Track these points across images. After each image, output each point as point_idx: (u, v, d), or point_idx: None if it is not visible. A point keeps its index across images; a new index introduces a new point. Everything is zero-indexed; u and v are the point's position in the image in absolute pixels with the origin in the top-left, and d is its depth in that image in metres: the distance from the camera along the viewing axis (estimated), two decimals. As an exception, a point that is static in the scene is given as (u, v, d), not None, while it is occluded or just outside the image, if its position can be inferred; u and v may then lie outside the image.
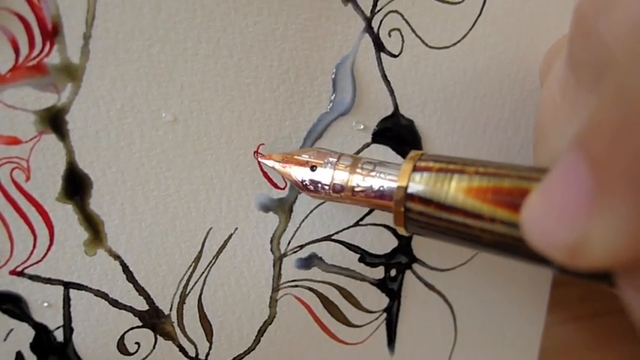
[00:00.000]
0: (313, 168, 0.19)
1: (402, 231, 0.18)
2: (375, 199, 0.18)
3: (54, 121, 0.19)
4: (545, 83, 0.19)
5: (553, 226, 0.12)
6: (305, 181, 0.19)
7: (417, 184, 0.16)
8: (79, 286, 0.20)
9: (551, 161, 0.13)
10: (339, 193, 0.19)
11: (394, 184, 0.17)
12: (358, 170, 0.18)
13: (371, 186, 0.18)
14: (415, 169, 0.17)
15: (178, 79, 0.19)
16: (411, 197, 0.17)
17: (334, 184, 0.19)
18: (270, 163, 0.20)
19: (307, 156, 0.20)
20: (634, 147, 0.10)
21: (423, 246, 0.24)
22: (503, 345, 0.26)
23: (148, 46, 0.19)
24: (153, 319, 0.21)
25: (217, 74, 0.20)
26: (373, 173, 0.18)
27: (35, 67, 0.18)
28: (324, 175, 0.19)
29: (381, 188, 0.18)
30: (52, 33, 0.18)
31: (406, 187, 0.17)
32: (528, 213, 0.13)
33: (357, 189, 0.18)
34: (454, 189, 0.16)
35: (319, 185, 0.19)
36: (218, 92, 0.20)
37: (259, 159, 0.21)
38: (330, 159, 0.19)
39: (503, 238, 0.15)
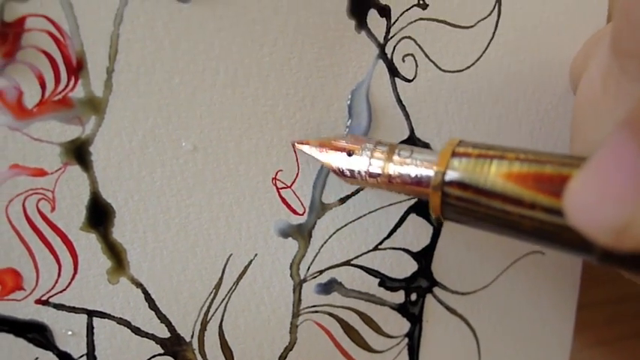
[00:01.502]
0: (350, 154, 0.19)
1: (438, 218, 0.17)
2: (411, 186, 0.18)
3: (78, 152, 0.19)
4: (585, 75, 0.19)
5: (598, 207, 0.12)
6: (342, 167, 0.19)
7: (455, 170, 0.16)
8: (102, 315, 0.20)
9: (590, 151, 0.13)
10: (376, 179, 0.19)
11: (431, 171, 0.17)
12: (395, 157, 0.18)
13: (408, 173, 0.18)
14: (454, 154, 0.17)
15: (198, 109, 0.20)
16: (449, 183, 0.16)
17: (371, 170, 0.19)
18: (306, 148, 0.20)
19: (344, 142, 0.20)
20: None
21: (443, 269, 0.23)
22: (529, 370, 0.26)
23: (169, 78, 0.19)
24: (175, 347, 0.21)
25: (235, 103, 0.20)
26: (409, 160, 0.18)
27: (61, 102, 0.19)
28: (361, 162, 0.19)
29: (418, 175, 0.18)
30: (77, 68, 0.19)
31: (444, 173, 0.17)
32: (572, 195, 0.13)
33: (393, 175, 0.18)
34: (494, 174, 0.15)
35: (356, 171, 0.19)
36: (236, 121, 0.20)
37: (296, 145, 0.21)
38: (367, 145, 0.19)
39: (542, 224, 0.15)
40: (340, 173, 0.20)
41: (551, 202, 0.14)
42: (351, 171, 0.19)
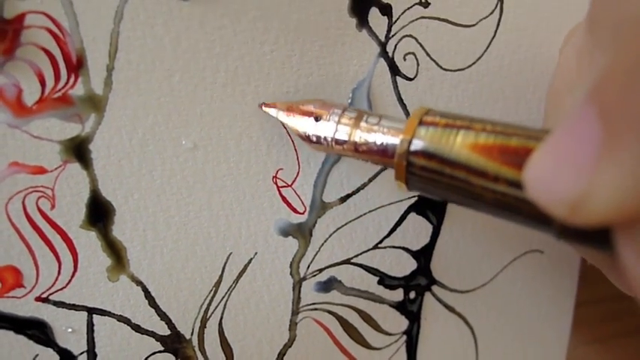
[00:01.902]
0: (317, 119, 0.19)
1: (402, 187, 0.17)
2: (377, 155, 0.18)
3: (78, 150, 0.19)
4: (562, 53, 0.19)
5: (556, 179, 0.12)
6: (307, 132, 0.19)
7: (422, 140, 0.16)
8: (103, 312, 0.20)
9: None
10: (342, 145, 0.18)
11: (397, 140, 0.17)
12: (362, 124, 0.18)
13: (374, 141, 0.17)
14: (421, 123, 0.16)
15: (198, 107, 0.20)
16: (415, 152, 0.16)
17: (337, 137, 0.18)
18: (273, 112, 0.20)
19: (312, 106, 0.19)
20: None
21: (442, 268, 0.24)
22: (526, 367, 0.26)
23: (169, 76, 0.19)
24: (175, 344, 0.21)
25: (236, 101, 0.20)
26: (377, 127, 0.18)
27: (60, 99, 0.19)
28: (328, 128, 0.19)
29: (384, 143, 0.17)
30: (77, 66, 0.19)
31: (410, 141, 0.16)
32: (531, 167, 0.13)
33: (359, 142, 0.18)
34: (459, 144, 0.15)
35: (322, 137, 0.19)
36: (237, 119, 0.20)
37: (263, 107, 0.20)
38: (335, 110, 0.19)
39: (504, 197, 0.14)
40: (306, 138, 0.19)
41: (514, 174, 0.14)
42: (317, 137, 0.19)
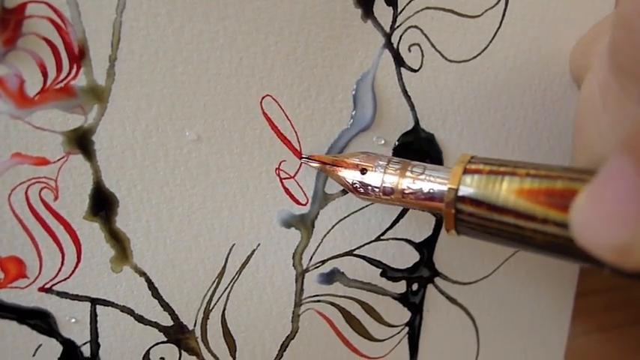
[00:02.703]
0: (363, 171, 0.19)
1: (452, 233, 0.18)
2: (425, 201, 0.18)
3: (81, 141, 0.19)
4: (585, 83, 0.19)
5: (602, 228, 0.12)
6: (355, 183, 0.20)
7: (468, 187, 0.17)
8: (106, 302, 0.20)
9: (591, 161, 0.13)
10: (389, 195, 0.19)
11: (444, 187, 0.17)
12: (408, 174, 0.19)
13: (421, 189, 0.18)
14: (465, 171, 0.17)
15: (202, 98, 0.20)
16: (462, 199, 0.17)
17: (384, 187, 0.19)
18: (317, 165, 0.20)
19: (357, 159, 0.20)
20: None
21: (445, 260, 0.24)
22: (526, 357, 0.26)
23: (172, 67, 0.19)
24: (177, 335, 0.21)
25: (240, 93, 0.20)
26: (422, 176, 0.18)
27: (63, 90, 0.19)
28: (375, 178, 0.19)
29: (431, 191, 0.18)
30: (79, 56, 0.19)
31: (457, 189, 0.17)
32: (577, 215, 0.13)
33: (406, 192, 0.19)
34: (505, 190, 0.16)
35: (369, 188, 0.19)
36: (240, 111, 0.20)
37: (304, 161, 0.21)
38: (380, 162, 0.19)
39: (556, 238, 0.15)
40: (354, 190, 0.20)
41: (562, 216, 0.14)
42: (365, 187, 0.19)
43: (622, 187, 0.12)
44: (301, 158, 0.21)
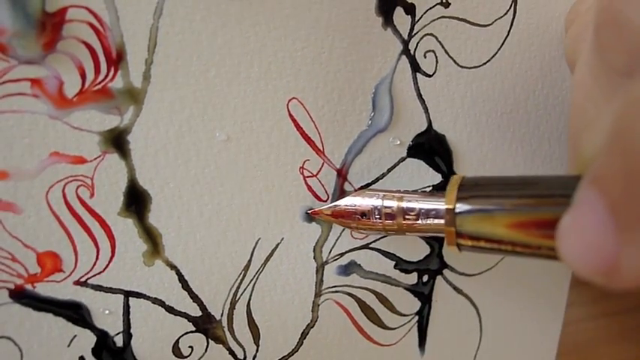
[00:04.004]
0: (363, 215, 0.21)
1: (454, 250, 0.19)
2: (426, 221, 0.20)
3: (117, 141, 0.20)
4: (577, 67, 0.20)
5: (586, 255, 0.13)
6: (357, 215, 0.21)
7: (463, 227, 0.18)
8: (138, 295, 0.21)
9: (592, 140, 0.14)
10: (392, 220, 0.20)
11: (443, 206, 0.19)
12: (405, 197, 0.20)
13: (421, 208, 0.20)
14: (458, 199, 0.18)
15: (232, 101, 0.21)
16: (461, 235, 0.18)
17: (385, 212, 0.20)
18: (322, 217, 0.22)
19: (353, 204, 0.21)
20: None
21: (453, 254, 0.25)
22: (525, 343, 0.28)
23: (205, 70, 0.20)
24: (205, 324, 0.22)
25: (267, 96, 0.21)
26: (419, 200, 0.20)
27: (100, 92, 0.20)
28: (375, 204, 0.21)
29: (431, 209, 0.19)
30: (117, 59, 0.19)
31: (454, 209, 0.18)
32: (562, 243, 0.14)
33: (408, 213, 0.20)
34: (499, 225, 0.17)
35: (372, 212, 0.21)
36: (268, 113, 0.21)
37: (311, 214, 0.22)
38: (377, 193, 0.21)
39: (553, 257, 0.16)
40: (355, 226, 0.21)
41: (554, 244, 0.15)
42: (366, 214, 0.21)
43: (593, 219, 0.13)
44: (307, 213, 0.22)
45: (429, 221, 0.19)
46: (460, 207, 0.18)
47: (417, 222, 0.20)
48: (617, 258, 0.13)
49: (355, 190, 0.22)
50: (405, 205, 0.20)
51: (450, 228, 0.18)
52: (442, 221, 0.19)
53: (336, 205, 0.22)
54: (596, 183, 0.13)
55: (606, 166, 0.13)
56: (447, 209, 0.18)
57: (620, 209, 0.12)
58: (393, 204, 0.20)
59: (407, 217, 0.20)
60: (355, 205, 0.21)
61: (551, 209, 0.16)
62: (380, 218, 0.21)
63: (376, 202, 0.21)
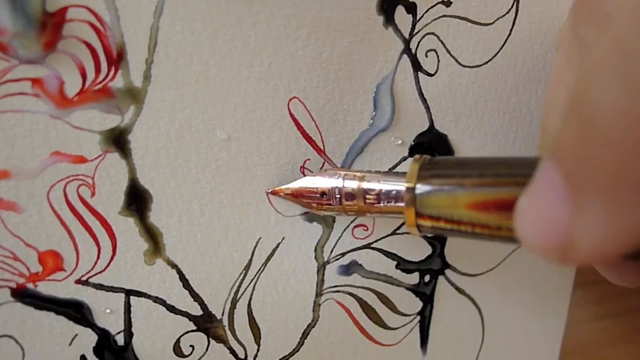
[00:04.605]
0: (323, 195, 0.20)
1: (414, 231, 0.19)
2: (387, 202, 0.19)
3: (117, 140, 0.20)
4: (556, 59, 0.20)
5: (541, 231, 0.13)
6: (318, 203, 0.21)
7: (425, 185, 0.17)
8: (139, 294, 0.21)
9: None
10: (352, 200, 0.20)
11: (403, 187, 0.18)
12: (367, 178, 0.20)
13: (381, 190, 0.19)
14: (419, 177, 0.18)
15: (232, 100, 0.21)
16: (421, 216, 0.18)
17: (345, 192, 0.20)
18: (280, 196, 0.22)
19: (313, 184, 0.21)
20: (599, 157, 0.11)
21: (455, 253, 0.25)
22: (527, 344, 0.28)
23: (205, 70, 0.20)
24: (206, 324, 0.22)
25: (268, 95, 0.21)
26: (381, 180, 0.19)
27: (101, 91, 0.20)
28: (335, 184, 0.20)
29: (392, 190, 0.19)
30: (117, 59, 0.19)
31: (414, 187, 0.18)
32: (518, 220, 0.14)
33: (368, 194, 0.19)
34: (458, 205, 0.17)
35: (332, 192, 0.20)
36: (269, 112, 0.21)
37: (270, 195, 0.22)
38: (338, 172, 0.20)
39: (512, 239, 0.16)
40: (319, 209, 0.21)
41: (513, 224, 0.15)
42: (327, 194, 0.20)
43: (551, 193, 0.13)
44: (267, 193, 0.22)
45: (390, 203, 0.19)
46: (420, 187, 0.18)
47: (378, 204, 0.19)
48: (572, 231, 0.12)
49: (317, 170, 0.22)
50: (365, 185, 0.20)
51: (410, 208, 0.18)
52: (402, 204, 0.18)
53: (296, 185, 0.21)
54: (552, 153, 0.13)
55: (562, 135, 0.13)
56: (407, 188, 0.18)
57: (575, 176, 0.12)
58: (354, 184, 0.20)
59: (367, 197, 0.19)
60: (315, 185, 0.21)
61: (512, 189, 0.15)
62: (340, 199, 0.20)
63: (337, 181, 0.20)
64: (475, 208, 0.16)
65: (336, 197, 0.20)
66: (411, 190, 0.18)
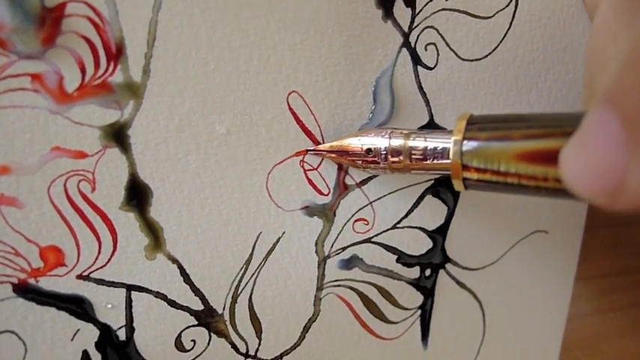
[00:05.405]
0: (369, 151, 0.20)
1: (459, 185, 0.19)
2: (432, 159, 0.19)
3: (117, 135, 0.20)
4: (598, 12, 0.20)
5: (592, 175, 0.13)
6: (362, 153, 0.21)
7: (471, 141, 0.18)
8: (140, 289, 0.21)
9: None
10: (397, 157, 0.20)
11: (449, 143, 0.18)
12: (412, 136, 0.20)
13: (427, 146, 0.19)
14: (466, 131, 0.18)
15: (231, 94, 0.21)
16: (467, 167, 0.18)
17: (392, 148, 0.20)
18: (325, 154, 0.22)
19: (359, 140, 0.21)
20: None
21: (456, 247, 0.25)
22: (529, 337, 0.28)
23: (204, 64, 0.20)
24: (207, 318, 0.22)
25: (267, 89, 0.21)
26: (427, 137, 0.20)
27: (100, 86, 0.20)
28: (382, 143, 0.20)
29: (438, 147, 0.19)
30: (116, 54, 0.19)
31: (462, 141, 0.18)
32: (566, 165, 0.14)
33: (414, 150, 0.20)
34: (505, 156, 0.17)
35: (377, 150, 0.20)
36: (268, 106, 0.21)
37: (311, 153, 0.22)
38: (384, 131, 0.20)
39: (558, 190, 0.16)
40: (362, 161, 0.21)
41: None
42: (373, 151, 0.20)
43: (605, 137, 0.13)
44: (308, 152, 0.22)
45: (436, 160, 0.19)
46: (468, 141, 0.18)
47: (424, 160, 0.20)
48: (625, 174, 0.13)
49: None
50: (411, 143, 0.20)
51: (457, 161, 0.18)
52: (449, 160, 0.19)
53: (341, 142, 0.21)
54: (609, 100, 0.13)
55: (622, 83, 0.13)
56: (454, 140, 0.18)
57: (634, 121, 0.12)
58: (400, 142, 0.20)
59: (413, 154, 0.20)
60: (362, 142, 0.21)
61: (560, 140, 0.16)
62: (386, 155, 0.20)
63: (383, 139, 0.20)
64: (523, 158, 0.16)
65: (381, 154, 0.20)
66: (458, 142, 0.18)
